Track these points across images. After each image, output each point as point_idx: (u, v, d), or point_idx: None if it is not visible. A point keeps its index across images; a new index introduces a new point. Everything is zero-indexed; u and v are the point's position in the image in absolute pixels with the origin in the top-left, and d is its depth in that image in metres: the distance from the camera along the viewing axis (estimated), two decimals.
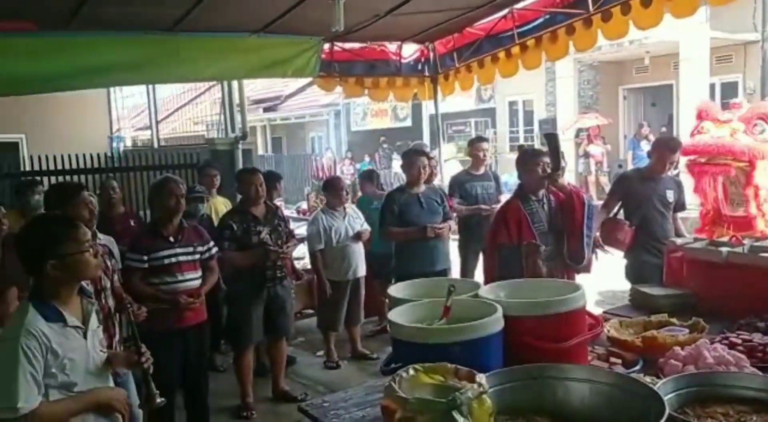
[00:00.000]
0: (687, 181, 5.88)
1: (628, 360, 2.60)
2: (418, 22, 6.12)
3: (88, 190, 3.76)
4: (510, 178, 11.97)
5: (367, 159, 20.05)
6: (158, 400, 2.45)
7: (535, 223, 3.92)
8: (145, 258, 3.99)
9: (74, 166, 7.56)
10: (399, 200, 5.19)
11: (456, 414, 1.63)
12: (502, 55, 6.27)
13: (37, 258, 2.23)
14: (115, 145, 13.20)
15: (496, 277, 3.31)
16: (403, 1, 5.32)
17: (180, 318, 4.04)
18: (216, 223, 5.25)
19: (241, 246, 4.67)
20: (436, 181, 6.32)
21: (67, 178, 7.15)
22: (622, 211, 4.76)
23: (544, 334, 2.29)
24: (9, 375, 2.09)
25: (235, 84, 8.55)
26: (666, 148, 4.72)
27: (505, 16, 6.02)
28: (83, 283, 2.44)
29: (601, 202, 5.04)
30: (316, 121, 23.88)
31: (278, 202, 5.83)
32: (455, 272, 5.89)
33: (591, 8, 5.18)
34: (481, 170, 6.29)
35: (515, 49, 6.09)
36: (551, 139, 4.07)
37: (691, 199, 5.65)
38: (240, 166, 7.76)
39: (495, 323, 2.22)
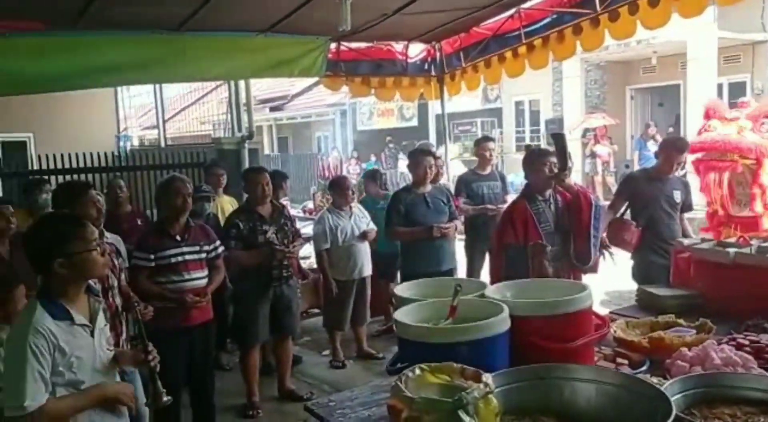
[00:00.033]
0: (694, 182, 5.87)
1: (635, 361, 2.59)
2: (424, 22, 6.11)
3: (95, 189, 3.78)
4: (516, 178, 11.94)
5: (373, 158, 20.04)
6: (164, 398, 2.46)
7: (541, 223, 3.91)
8: (152, 257, 4.00)
9: (81, 164, 7.59)
10: (405, 200, 5.18)
11: (462, 414, 1.63)
12: (508, 54, 6.26)
13: (44, 256, 2.24)
14: (122, 144, 13.25)
15: (503, 277, 3.31)
16: (410, 0, 5.32)
17: (186, 317, 4.05)
18: (222, 222, 5.26)
19: (248, 246, 4.68)
20: (442, 181, 6.31)
21: (75, 176, 7.18)
22: (628, 212, 4.75)
23: (550, 334, 2.29)
24: (17, 374, 2.11)
25: (241, 83, 8.55)
26: (673, 148, 4.71)
27: (512, 16, 6.01)
28: (90, 282, 2.45)
29: (607, 203, 5.03)
30: (322, 121, 23.90)
31: (284, 201, 5.83)
32: (461, 272, 5.88)
33: (598, 8, 5.17)
34: (488, 170, 6.28)
35: (522, 49, 6.09)
36: (558, 138, 4.05)
37: (698, 199, 5.64)
38: (246, 165, 7.77)
39: (501, 323, 2.21)
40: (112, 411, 2.34)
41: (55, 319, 2.19)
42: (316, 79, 8.99)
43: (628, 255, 4.70)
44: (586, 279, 3.93)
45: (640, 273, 4.56)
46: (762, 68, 13.08)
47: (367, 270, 5.82)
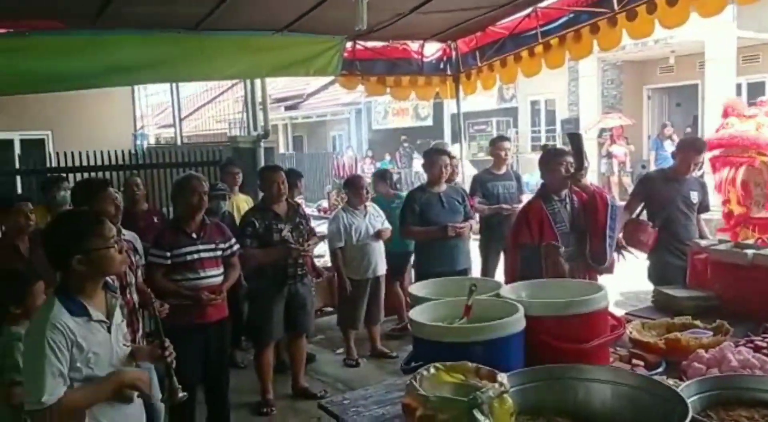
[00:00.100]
0: (711, 182, 5.82)
1: (651, 363, 2.57)
2: (440, 21, 6.10)
3: (112, 187, 3.81)
4: (531, 178, 11.91)
5: (387, 158, 20.05)
6: (180, 394, 2.47)
7: (557, 223, 3.90)
8: (168, 254, 4.02)
9: (99, 162, 7.64)
10: (420, 199, 5.19)
11: (477, 413, 1.63)
12: (525, 54, 6.22)
13: (63, 253, 2.26)
14: (138, 142, 13.30)
15: (517, 277, 3.31)
16: None
17: (201, 315, 4.07)
18: (237, 221, 5.28)
19: (263, 244, 4.70)
20: (456, 180, 6.31)
21: (92, 174, 7.24)
22: (644, 213, 4.72)
23: (565, 335, 2.28)
24: (35, 369, 2.13)
25: (257, 82, 8.59)
26: (691, 148, 4.67)
27: (528, 15, 5.98)
28: (108, 278, 2.47)
29: (623, 203, 5.00)
30: (337, 120, 23.94)
31: (299, 199, 5.86)
32: (476, 272, 5.87)
33: (616, 7, 5.13)
34: (503, 169, 6.26)
35: (538, 48, 6.05)
36: (574, 138, 4.04)
37: (714, 200, 5.59)
38: (262, 163, 7.80)
39: (516, 323, 2.21)
40: (122, 400, 2.35)
41: (73, 315, 2.21)
42: (331, 78, 8.99)
43: (644, 256, 4.67)
44: (602, 279, 3.91)
45: (656, 274, 4.53)
46: None
47: (382, 269, 5.83)
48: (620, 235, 4.38)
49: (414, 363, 2.15)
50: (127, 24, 5.27)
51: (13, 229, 4.19)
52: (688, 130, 14.66)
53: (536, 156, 4.35)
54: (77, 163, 7.47)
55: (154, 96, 20.00)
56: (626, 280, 5.34)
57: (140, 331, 3.73)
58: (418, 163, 16.34)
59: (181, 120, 14.31)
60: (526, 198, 5.42)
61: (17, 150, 10.96)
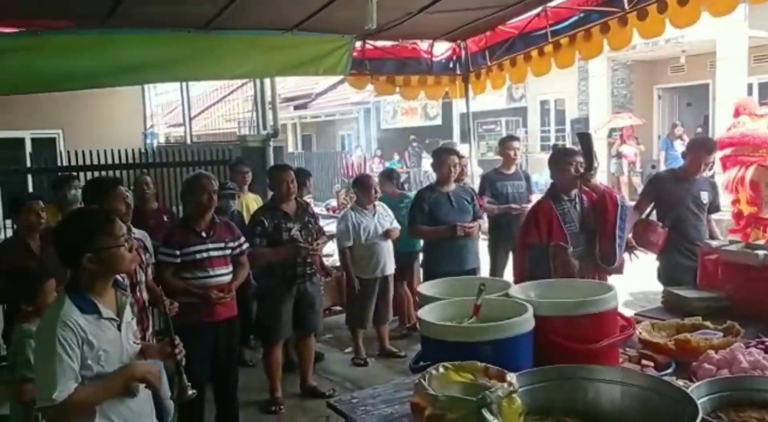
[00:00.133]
0: (721, 182, 5.79)
1: (660, 363, 2.56)
2: (450, 20, 6.09)
3: (123, 185, 3.83)
4: (540, 178, 11.88)
5: (396, 157, 20.04)
6: (189, 392, 2.48)
7: (566, 223, 3.89)
8: (178, 253, 4.04)
9: (109, 161, 7.67)
10: (429, 198, 5.18)
11: (486, 413, 1.62)
12: (534, 53, 6.20)
13: (73, 251, 2.27)
14: (148, 141, 13.35)
15: (526, 277, 3.30)
16: None
17: (210, 313, 4.09)
18: (247, 219, 5.29)
19: (272, 243, 4.71)
20: (465, 180, 6.30)
21: (103, 173, 7.26)
22: (654, 213, 4.70)
23: (575, 335, 2.28)
24: (46, 366, 2.14)
25: (267, 82, 8.60)
26: (702, 148, 4.64)
27: (538, 14, 5.96)
28: (118, 276, 2.48)
29: (633, 203, 4.98)
30: (346, 119, 23.95)
31: (308, 199, 5.86)
32: (484, 272, 5.86)
33: (626, 6, 5.10)
34: (512, 169, 6.25)
35: (548, 48, 6.02)
36: (584, 138, 4.03)
37: (724, 200, 5.56)
38: (271, 163, 7.81)
39: (525, 323, 2.21)
40: (138, 402, 2.36)
41: (83, 313, 2.22)
42: (340, 77, 9.00)
43: (654, 256, 4.65)
44: (612, 280, 3.90)
45: (666, 275, 4.51)
46: None
47: (390, 268, 5.83)
48: (630, 236, 4.36)
49: (422, 362, 2.15)
50: (137, 23, 5.30)
51: (25, 227, 4.23)
52: (699, 129, 14.57)
53: (545, 155, 4.34)
54: (88, 162, 7.50)
55: (163, 95, 20.06)
56: (636, 281, 5.31)
57: (150, 329, 3.75)
58: (427, 162, 16.35)
59: (190, 119, 14.34)
60: (535, 198, 5.41)
61: (28, 148, 11.02)
